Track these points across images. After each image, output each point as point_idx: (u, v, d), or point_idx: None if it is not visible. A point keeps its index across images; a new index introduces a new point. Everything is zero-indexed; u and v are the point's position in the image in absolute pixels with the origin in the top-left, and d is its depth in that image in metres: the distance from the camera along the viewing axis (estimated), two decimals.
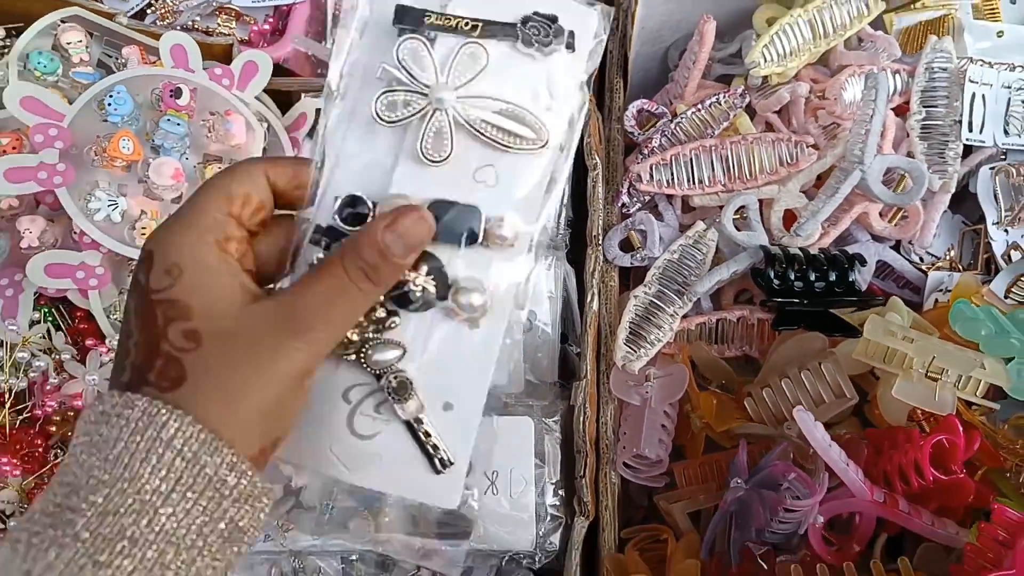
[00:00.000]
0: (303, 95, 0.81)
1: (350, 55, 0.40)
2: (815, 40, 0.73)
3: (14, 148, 0.70)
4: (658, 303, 0.68)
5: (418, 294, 0.38)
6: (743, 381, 0.67)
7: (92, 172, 0.70)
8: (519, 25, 0.40)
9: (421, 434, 0.39)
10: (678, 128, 0.73)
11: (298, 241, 0.39)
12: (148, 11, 0.86)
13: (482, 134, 0.39)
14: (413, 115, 0.39)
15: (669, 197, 0.73)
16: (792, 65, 0.72)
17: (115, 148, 0.69)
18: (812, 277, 0.65)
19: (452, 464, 0.39)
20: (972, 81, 0.71)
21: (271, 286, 0.40)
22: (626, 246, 0.72)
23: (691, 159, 0.71)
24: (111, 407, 0.33)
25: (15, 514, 0.65)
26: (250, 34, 0.86)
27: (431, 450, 0.39)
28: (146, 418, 0.32)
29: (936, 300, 0.68)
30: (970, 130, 0.71)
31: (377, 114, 0.39)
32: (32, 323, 0.70)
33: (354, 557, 0.65)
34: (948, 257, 0.71)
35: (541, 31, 0.40)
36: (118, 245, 0.68)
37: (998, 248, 0.70)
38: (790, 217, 0.69)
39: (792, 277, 0.65)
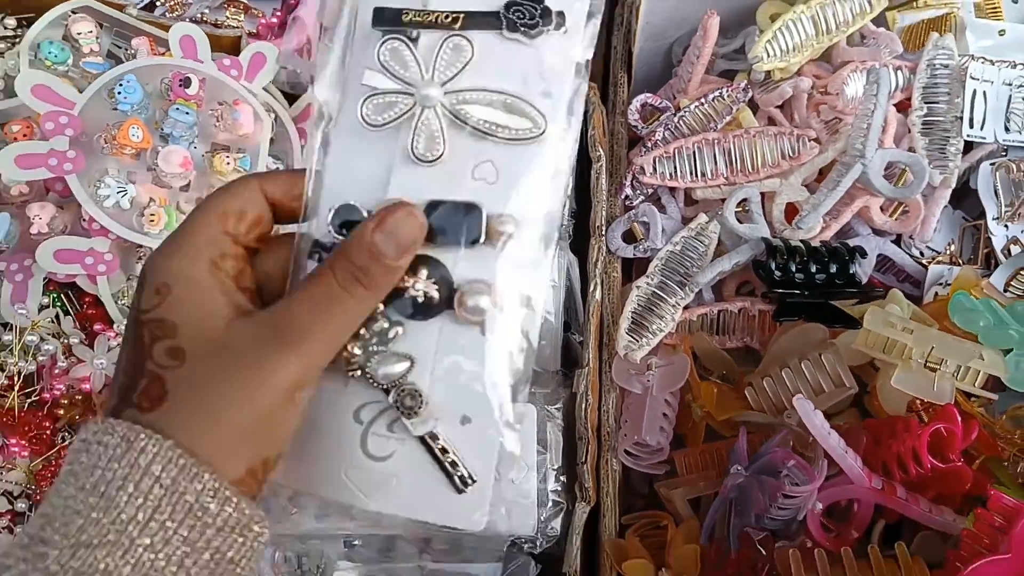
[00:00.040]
0: (310, 86, 0.82)
1: (334, 66, 0.39)
2: (818, 36, 0.74)
3: (25, 135, 0.71)
4: (660, 294, 0.68)
5: (420, 300, 0.36)
6: (744, 371, 0.68)
7: (102, 160, 0.71)
8: (502, 11, 0.37)
9: (438, 451, 0.36)
10: (681, 122, 0.74)
11: (296, 256, 0.37)
12: (157, 3, 0.86)
13: (476, 129, 0.37)
14: (401, 116, 0.37)
15: (672, 190, 0.74)
16: (795, 61, 0.73)
17: (124, 136, 0.70)
18: (813, 269, 0.65)
19: (474, 482, 0.36)
20: (973, 78, 0.72)
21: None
22: (629, 237, 0.73)
23: (694, 152, 0.72)
24: (92, 434, 0.32)
25: (22, 495, 0.65)
26: (258, 27, 0.87)
27: (450, 467, 0.36)
28: (124, 444, 0.31)
29: (936, 294, 0.68)
30: (971, 126, 0.71)
31: (363, 118, 0.37)
32: (41, 307, 0.71)
33: (357, 542, 0.66)
34: (948, 251, 0.72)
35: (526, 14, 0.37)
36: (127, 232, 0.69)
37: (998, 243, 0.70)
38: (792, 210, 0.70)
39: (793, 269, 0.65)
